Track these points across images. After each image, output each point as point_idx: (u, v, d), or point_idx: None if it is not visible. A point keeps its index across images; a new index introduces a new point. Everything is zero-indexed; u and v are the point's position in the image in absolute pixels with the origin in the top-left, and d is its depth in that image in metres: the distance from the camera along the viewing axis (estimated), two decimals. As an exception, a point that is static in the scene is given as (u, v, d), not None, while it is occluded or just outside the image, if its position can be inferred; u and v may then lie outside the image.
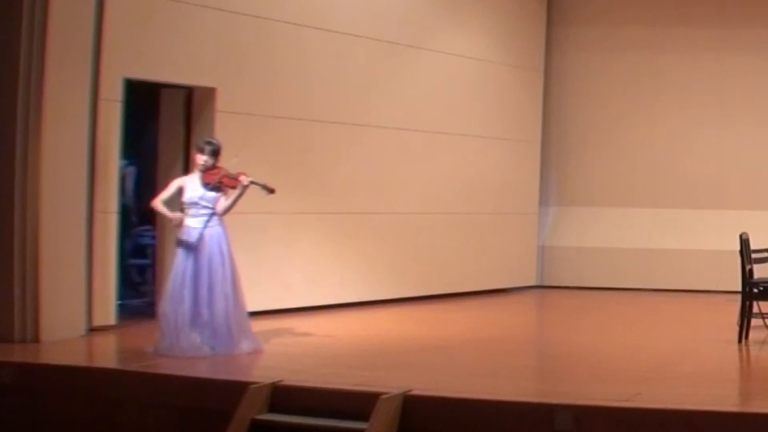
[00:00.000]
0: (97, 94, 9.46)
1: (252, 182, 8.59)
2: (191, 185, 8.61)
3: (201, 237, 8.49)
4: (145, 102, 10.84)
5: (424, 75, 12.86)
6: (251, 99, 10.84)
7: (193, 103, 10.69)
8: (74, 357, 8.41)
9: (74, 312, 9.21)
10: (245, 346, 8.57)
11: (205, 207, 8.57)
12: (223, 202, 8.64)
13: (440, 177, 13.03)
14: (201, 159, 8.61)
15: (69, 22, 9.07)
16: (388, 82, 12.41)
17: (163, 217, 9.02)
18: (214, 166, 8.60)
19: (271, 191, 8.70)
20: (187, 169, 10.56)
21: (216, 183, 8.56)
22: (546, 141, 14.79)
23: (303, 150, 11.33)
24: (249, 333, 8.70)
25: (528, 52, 14.39)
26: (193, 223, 8.56)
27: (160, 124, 10.96)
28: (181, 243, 8.56)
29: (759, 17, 14.10)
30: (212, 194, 8.58)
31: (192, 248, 8.49)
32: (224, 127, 10.37)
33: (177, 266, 8.52)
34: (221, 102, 10.56)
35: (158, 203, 8.68)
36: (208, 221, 8.52)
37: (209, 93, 10.55)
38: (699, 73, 14.36)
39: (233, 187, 8.61)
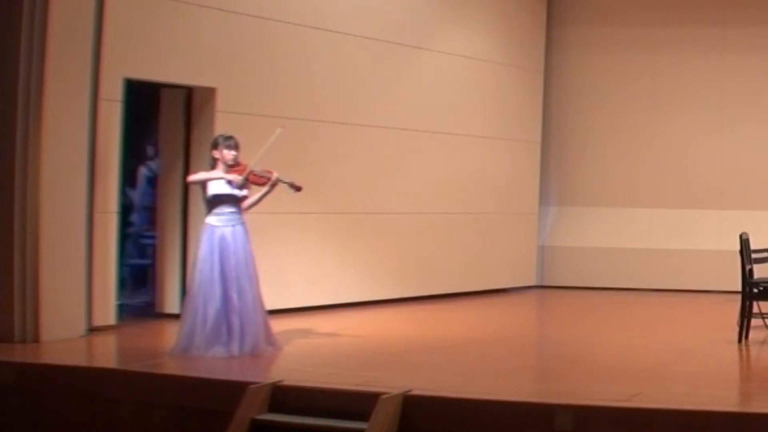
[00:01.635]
0: (97, 94, 9.45)
1: (279, 180, 8.54)
2: (215, 181, 8.51)
3: (224, 236, 8.43)
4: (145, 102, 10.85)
5: (424, 75, 12.86)
6: (251, 99, 10.84)
7: (193, 103, 10.69)
8: (74, 357, 8.41)
9: (74, 312, 9.20)
10: (270, 347, 8.58)
11: (228, 204, 8.50)
12: (247, 199, 8.60)
13: (440, 177, 13.03)
14: (230, 154, 8.49)
15: (69, 22, 9.07)
16: (388, 82, 12.41)
17: (204, 181, 8.64)
18: (238, 163, 8.56)
19: (298, 189, 8.64)
20: (187, 169, 10.57)
21: (243, 179, 8.52)
22: (546, 141, 14.79)
23: (303, 150, 11.32)
24: (272, 334, 8.70)
25: (528, 52, 14.40)
26: (215, 221, 8.48)
27: (160, 124, 10.96)
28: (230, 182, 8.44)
29: (759, 17, 14.09)
30: (235, 191, 8.52)
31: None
32: (224, 127, 10.32)
33: (202, 263, 8.39)
34: (221, 102, 10.56)
35: (192, 176, 8.67)
36: (232, 218, 8.48)
37: (209, 93, 10.55)
38: (699, 74, 14.36)
39: (260, 184, 8.56)
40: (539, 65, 14.62)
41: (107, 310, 9.69)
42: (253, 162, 8.52)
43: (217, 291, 8.34)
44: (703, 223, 14.25)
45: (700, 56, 14.33)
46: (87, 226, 9.39)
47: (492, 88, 13.84)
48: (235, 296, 8.38)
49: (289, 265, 11.16)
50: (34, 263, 8.87)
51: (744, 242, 9.47)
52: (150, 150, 12.90)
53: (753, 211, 13.72)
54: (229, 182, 8.47)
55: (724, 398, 7.09)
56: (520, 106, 14.29)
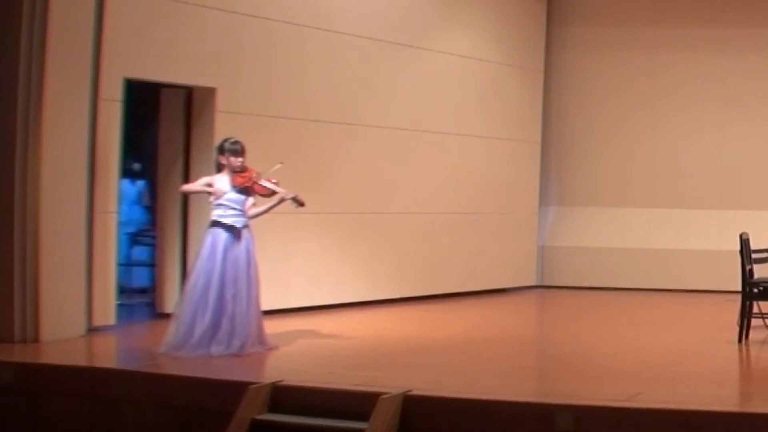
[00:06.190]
0: (97, 94, 9.45)
1: (287, 197, 8.56)
2: (220, 185, 8.52)
3: (228, 238, 8.42)
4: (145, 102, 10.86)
5: (424, 75, 12.86)
6: (251, 99, 10.84)
7: (193, 103, 10.69)
8: (74, 357, 8.41)
9: (74, 312, 9.20)
10: (261, 348, 8.58)
11: (233, 209, 8.50)
12: (253, 208, 8.63)
13: (440, 177, 13.03)
14: (238, 161, 8.50)
15: (69, 22, 9.07)
16: (388, 82, 12.41)
17: (196, 193, 8.91)
18: (245, 168, 8.57)
19: (301, 204, 8.67)
20: (187, 169, 10.58)
21: (246, 186, 8.52)
22: (546, 141, 14.79)
23: (303, 150, 11.33)
24: (264, 337, 8.69)
25: (528, 52, 14.40)
26: (220, 224, 8.46)
27: (160, 124, 10.96)
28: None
29: (759, 17, 14.10)
30: (241, 197, 8.53)
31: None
32: (224, 127, 10.36)
33: (201, 265, 8.41)
34: (221, 102, 10.56)
35: (186, 186, 8.70)
36: (237, 221, 8.48)
37: (209, 93, 10.55)
38: (699, 73, 14.36)
39: (263, 194, 8.57)
40: (539, 65, 14.62)
41: (107, 310, 9.68)
42: (259, 173, 8.55)
43: (214, 294, 8.35)
44: (703, 223, 14.25)
45: (700, 56, 14.34)
46: (87, 226, 9.40)
47: (492, 88, 13.84)
48: (230, 299, 8.38)
49: (289, 266, 11.16)
50: (34, 263, 8.87)
51: (744, 242, 9.47)
52: (136, 167, 12.87)
53: (753, 211, 13.73)
54: (235, 186, 8.50)
55: (724, 398, 7.09)
56: (520, 106, 14.29)
